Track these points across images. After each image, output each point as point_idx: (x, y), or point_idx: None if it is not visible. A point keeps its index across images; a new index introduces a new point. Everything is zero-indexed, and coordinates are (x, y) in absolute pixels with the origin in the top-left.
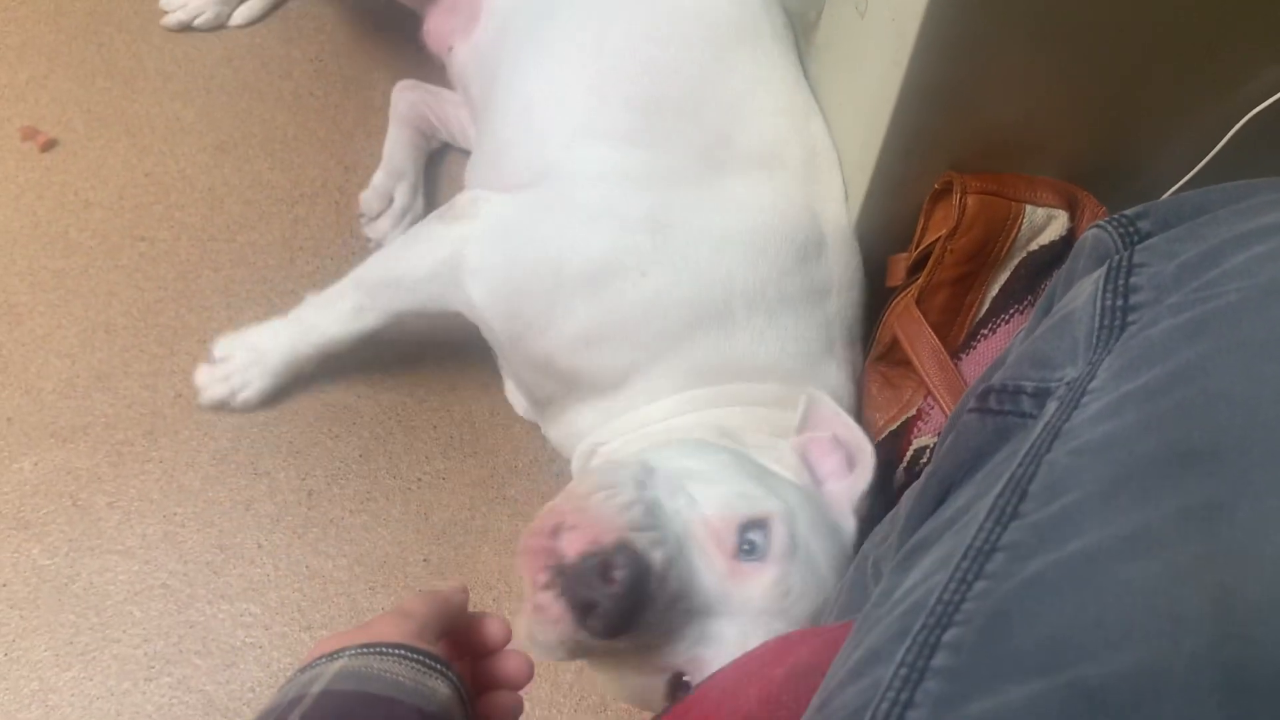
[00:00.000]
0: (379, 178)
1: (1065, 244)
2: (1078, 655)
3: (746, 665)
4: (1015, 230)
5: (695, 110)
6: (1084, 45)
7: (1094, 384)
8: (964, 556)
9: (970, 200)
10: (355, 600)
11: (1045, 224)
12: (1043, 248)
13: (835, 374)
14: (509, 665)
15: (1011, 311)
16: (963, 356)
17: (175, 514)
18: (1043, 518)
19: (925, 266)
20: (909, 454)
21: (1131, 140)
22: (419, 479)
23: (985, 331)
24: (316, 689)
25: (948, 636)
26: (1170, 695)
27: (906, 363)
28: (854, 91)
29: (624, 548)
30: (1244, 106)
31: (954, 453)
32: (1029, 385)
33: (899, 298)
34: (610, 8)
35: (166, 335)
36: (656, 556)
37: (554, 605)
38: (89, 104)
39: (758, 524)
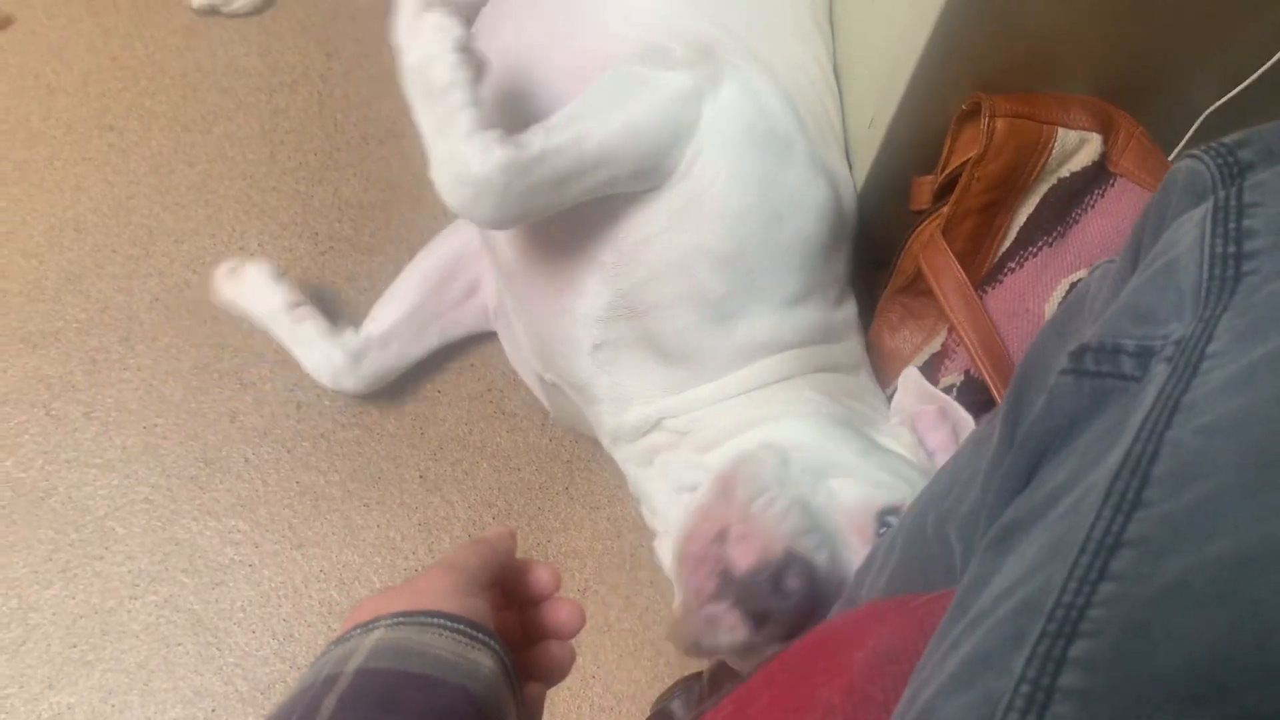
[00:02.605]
0: None
1: (1097, 169)
2: (1241, 683)
3: (819, 646)
4: (1046, 155)
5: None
6: None
7: (1213, 346)
8: (1082, 550)
9: (999, 123)
10: (349, 518)
11: (1077, 148)
12: (1074, 174)
13: (853, 324)
14: (559, 613)
15: (1040, 244)
16: (988, 290)
17: (156, 425)
18: (1175, 509)
19: (951, 192)
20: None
21: (1172, 56)
22: (414, 393)
23: (1012, 265)
24: (352, 666)
25: (1075, 650)
26: None
27: (930, 294)
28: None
29: (794, 559)
30: None
31: (1047, 419)
32: (1129, 344)
33: (924, 225)
34: None
35: (140, 234)
36: (821, 560)
37: (729, 615)
38: None
39: (892, 510)
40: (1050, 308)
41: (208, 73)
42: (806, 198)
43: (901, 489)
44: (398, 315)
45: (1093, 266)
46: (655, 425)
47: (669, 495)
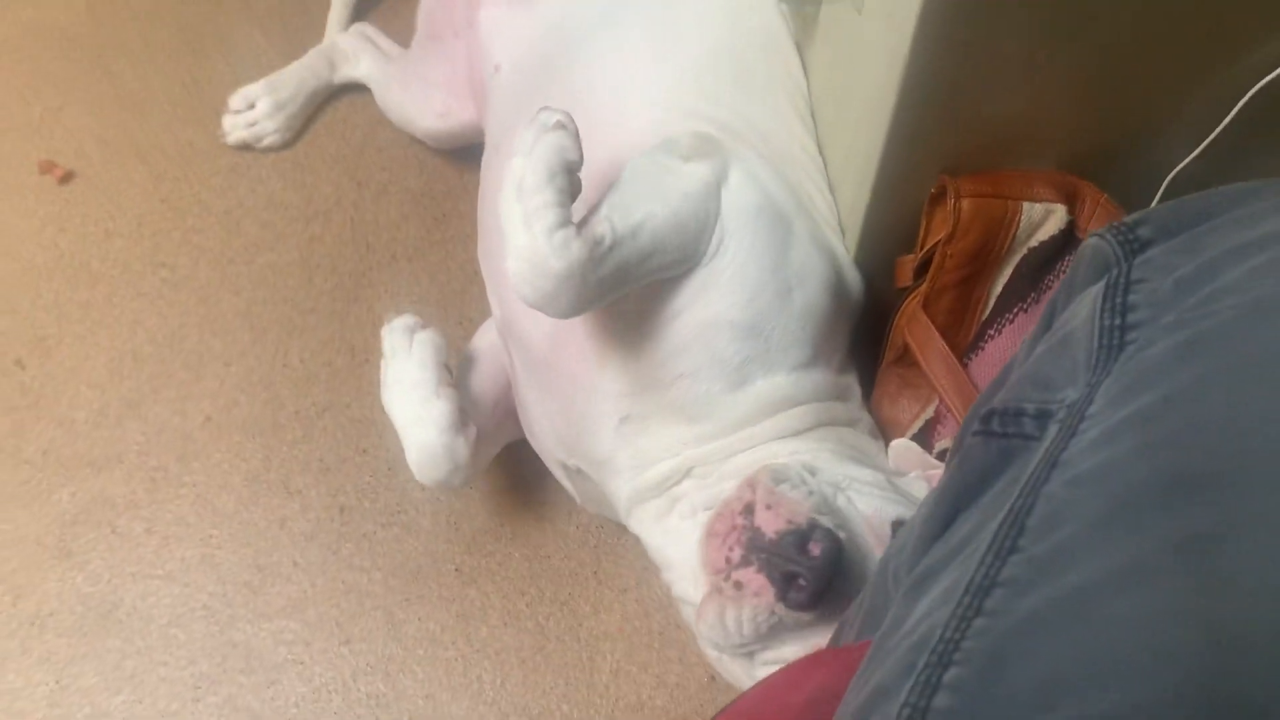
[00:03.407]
0: (255, 89)
1: (1065, 237)
2: (1069, 695)
3: (770, 690)
4: (1013, 229)
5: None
6: (1082, 30)
7: (1091, 409)
8: (965, 591)
9: (965, 204)
10: (392, 613)
11: (1043, 219)
12: (1042, 243)
13: (855, 388)
14: None
15: (1015, 310)
16: (972, 358)
17: (212, 536)
18: (1039, 552)
19: (929, 269)
20: (934, 455)
21: (1134, 122)
22: (447, 489)
23: (992, 332)
24: None
25: (948, 676)
26: None
27: (919, 364)
28: (855, 89)
29: (819, 526)
30: (1248, 81)
31: (960, 475)
32: (1030, 407)
33: (908, 301)
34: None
35: (192, 360)
36: (843, 535)
37: (756, 578)
38: (103, 134)
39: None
40: None
41: (249, 208)
42: (812, 271)
43: (914, 508)
44: (485, 411)
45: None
46: (686, 474)
47: (689, 523)
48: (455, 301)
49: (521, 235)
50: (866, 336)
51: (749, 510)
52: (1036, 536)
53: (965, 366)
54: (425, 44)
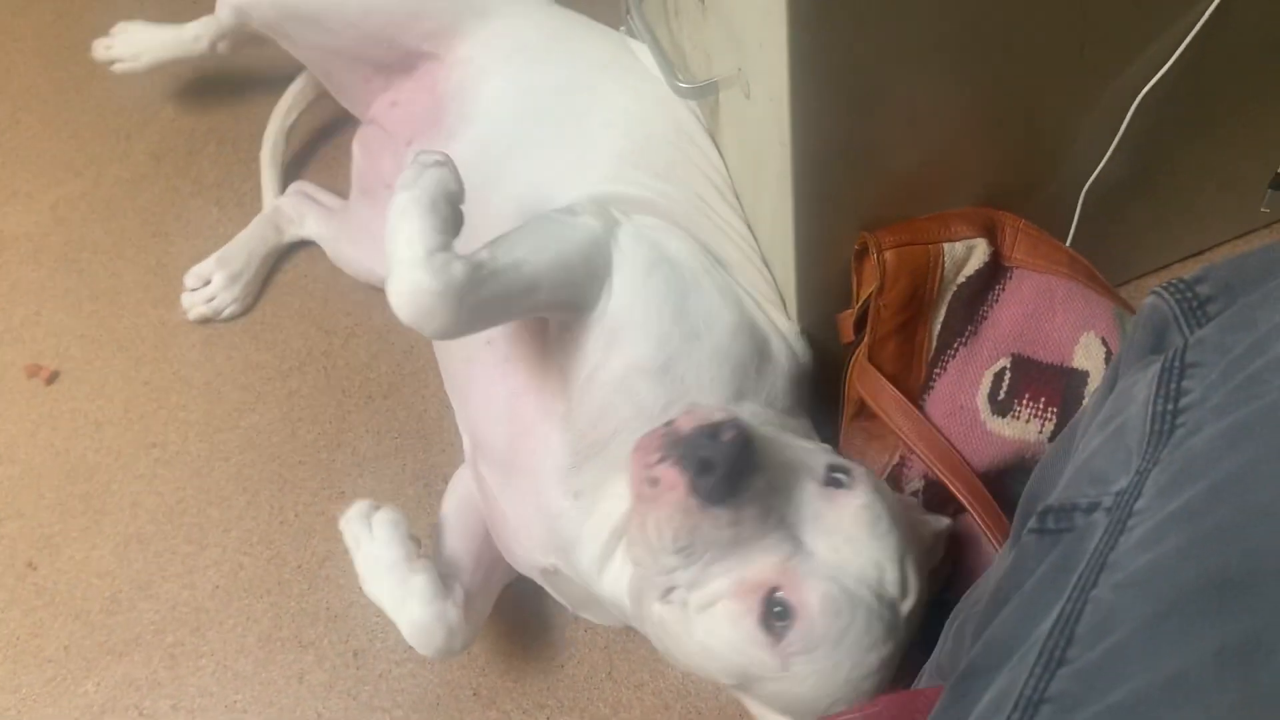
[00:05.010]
0: (208, 265)
1: (992, 268)
2: None
3: None
4: (939, 270)
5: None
6: (955, 77)
7: (1140, 503)
8: (1015, 707)
9: (888, 256)
10: None
11: (967, 256)
12: (970, 278)
13: (805, 430)
14: None
15: (956, 345)
16: (926, 397)
17: (235, 701)
18: (1087, 664)
19: (868, 322)
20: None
21: (1035, 150)
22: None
23: (938, 370)
24: None
25: None
26: None
27: (878, 415)
28: (760, 168)
29: (734, 420)
30: (1136, 86)
31: (1015, 574)
32: (1084, 502)
33: (855, 356)
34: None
35: (193, 532)
36: (759, 433)
37: (669, 472)
38: (81, 330)
39: (843, 468)
40: (981, 399)
41: (227, 375)
42: (717, 318)
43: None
44: (468, 569)
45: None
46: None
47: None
48: (435, 430)
49: (404, 254)
50: (827, 396)
51: (670, 423)
52: (1085, 646)
53: (921, 408)
54: (361, 199)
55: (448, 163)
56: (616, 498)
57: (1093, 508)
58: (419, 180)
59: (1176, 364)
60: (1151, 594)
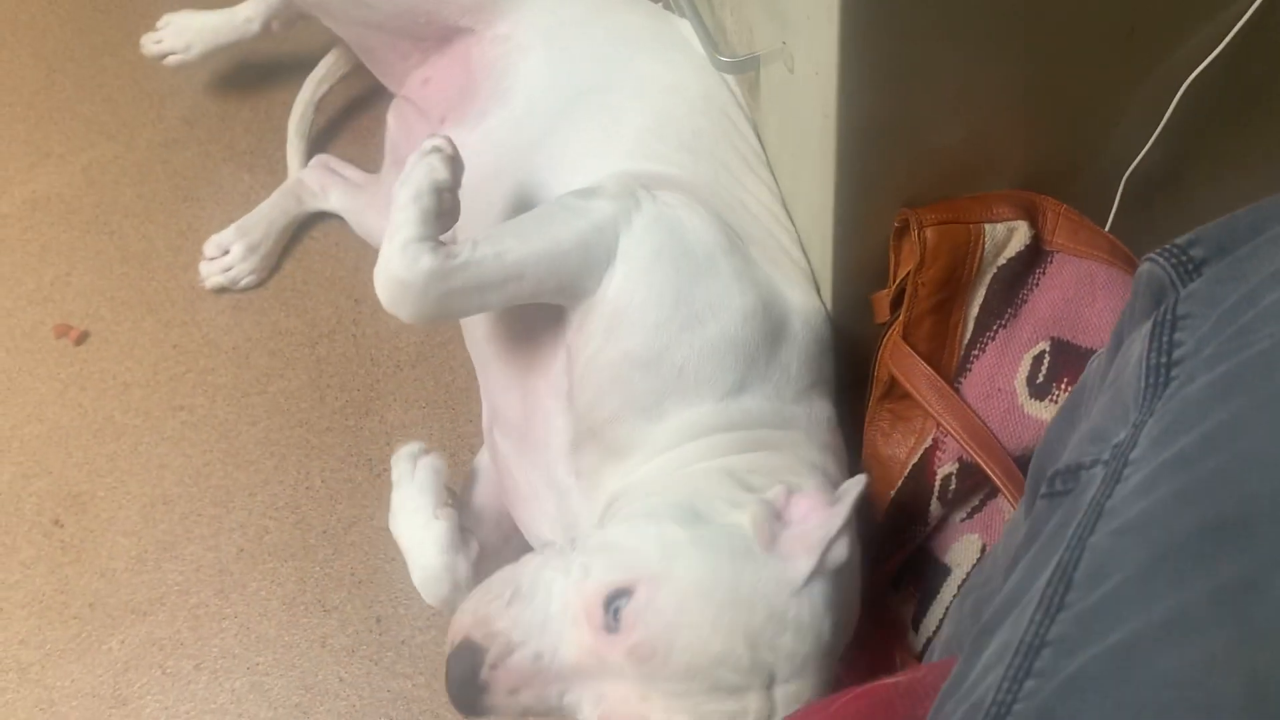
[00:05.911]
0: (228, 234)
1: (1032, 252)
2: None
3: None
4: (979, 251)
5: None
6: (1004, 55)
7: (1135, 453)
8: (1016, 652)
9: (929, 233)
10: (440, 715)
11: (1008, 238)
12: (1010, 260)
13: (818, 420)
14: None
15: (995, 328)
16: (962, 379)
17: (258, 664)
18: (1085, 608)
19: (904, 300)
20: (937, 484)
21: (1081, 131)
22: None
23: (976, 352)
24: None
25: None
26: None
27: (909, 396)
28: (801, 144)
29: (464, 644)
30: (1183, 73)
31: (1029, 540)
32: (1087, 460)
33: (889, 335)
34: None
35: (220, 495)
36: (493, 650)
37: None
38: (111, 291)
39: (623, 593)
40: (1019, 382)
41: (256, 340)
42: (729, 305)
43: (640, 570)
44: (490, 523)
45: (1090, 358)
46: (610, 504)
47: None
48: (462, 400)
49: (386, 243)
50: (852, 379)
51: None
52: (1083, 591)
53: (957, 390)
54: (393, 170)
55: (446, 148)
56: (614, 481)
57: (1094, 464)
58: (411, 171)
59: (1168, 317)
60: (1148, 539)
